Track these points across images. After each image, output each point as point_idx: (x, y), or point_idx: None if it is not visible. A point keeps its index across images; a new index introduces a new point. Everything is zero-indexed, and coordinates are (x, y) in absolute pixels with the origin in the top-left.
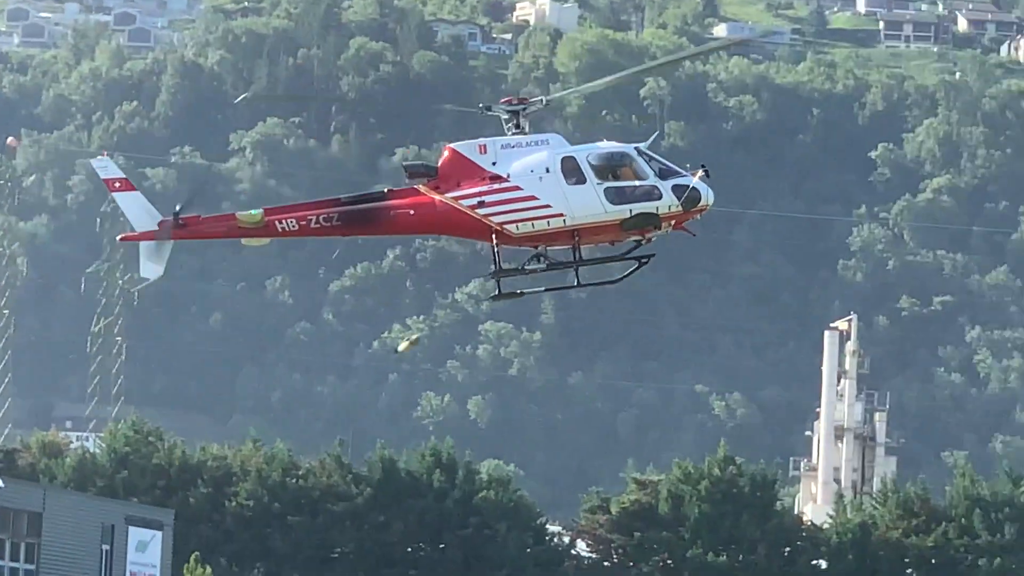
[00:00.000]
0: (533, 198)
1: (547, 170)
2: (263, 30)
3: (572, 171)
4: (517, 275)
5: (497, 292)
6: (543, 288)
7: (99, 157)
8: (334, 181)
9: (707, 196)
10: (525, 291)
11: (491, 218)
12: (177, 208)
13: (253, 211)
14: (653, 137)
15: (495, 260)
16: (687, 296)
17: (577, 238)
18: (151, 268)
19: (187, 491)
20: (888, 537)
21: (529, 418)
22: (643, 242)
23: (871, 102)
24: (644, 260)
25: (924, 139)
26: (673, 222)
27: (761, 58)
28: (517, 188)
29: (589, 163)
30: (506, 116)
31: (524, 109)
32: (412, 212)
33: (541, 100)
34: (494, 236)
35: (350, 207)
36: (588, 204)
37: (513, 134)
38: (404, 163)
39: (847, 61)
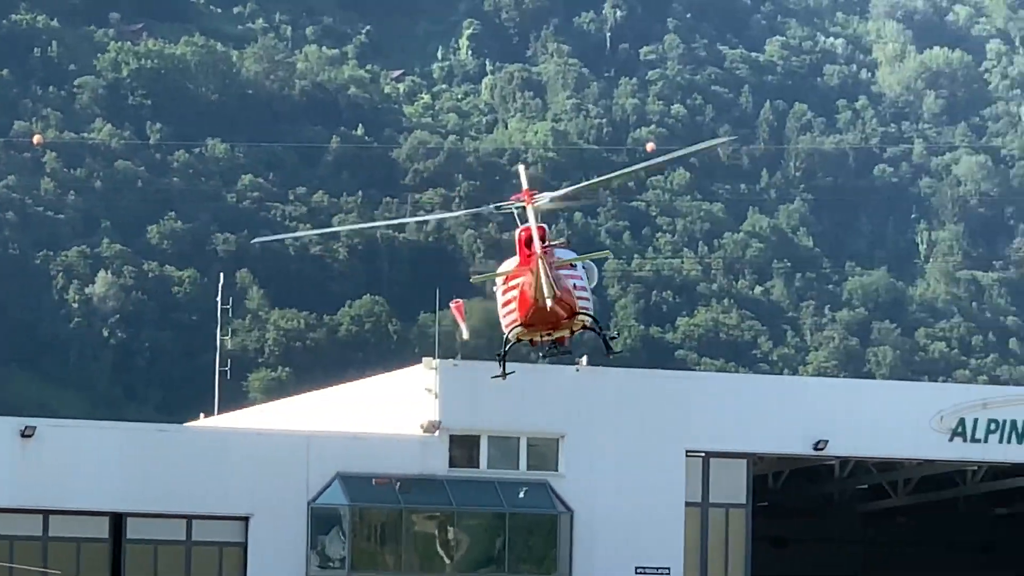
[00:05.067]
0: (586, 289)
1: (583, 266)
2: None
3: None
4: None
5: (503, 373)
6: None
7: None
8: None
9: None
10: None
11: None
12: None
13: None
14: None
15: (505, 348)
16: None
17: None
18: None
19: None
20: None
21: None
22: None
23: None
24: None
25: None
26: None
27: None
28: (580, 277)
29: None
30: (518, 211)
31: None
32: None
33: (547, 197)
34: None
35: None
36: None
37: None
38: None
39: None
